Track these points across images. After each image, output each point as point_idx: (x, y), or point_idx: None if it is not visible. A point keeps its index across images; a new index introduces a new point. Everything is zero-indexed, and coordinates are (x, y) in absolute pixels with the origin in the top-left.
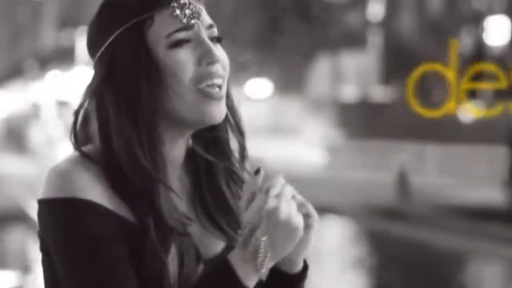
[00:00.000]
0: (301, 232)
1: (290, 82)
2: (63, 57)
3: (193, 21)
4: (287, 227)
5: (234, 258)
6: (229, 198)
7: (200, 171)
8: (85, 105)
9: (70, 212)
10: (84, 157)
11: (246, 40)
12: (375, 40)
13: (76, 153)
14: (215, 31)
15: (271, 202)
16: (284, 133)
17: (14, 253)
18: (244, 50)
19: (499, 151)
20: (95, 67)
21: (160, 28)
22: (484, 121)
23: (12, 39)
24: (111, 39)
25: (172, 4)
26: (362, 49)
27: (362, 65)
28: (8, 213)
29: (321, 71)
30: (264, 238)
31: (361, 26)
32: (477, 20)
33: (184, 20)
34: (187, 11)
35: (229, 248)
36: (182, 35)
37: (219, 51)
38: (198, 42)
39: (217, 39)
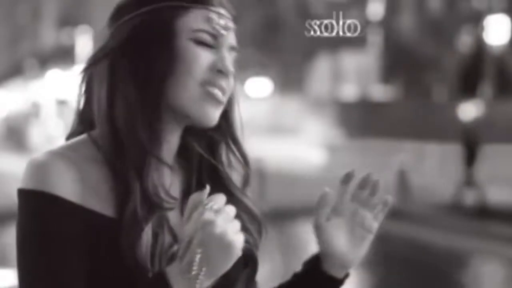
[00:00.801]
0: (237, 251)
1: (290, 81)
2: (63, 56)
3: (222, 32)
4: (221, 243)
5: (172, 270)
6: None
7: (192, 166)
8: (91, 68)
9: (34, 205)
10: (74, 143)
11: (246, 40)
12: (375, 39)
13: (62, 144)
14: (234, 55)
15: (207, 215)
16: (284, 132)
17: (15, 251)
18: (244, 49)
19: (499, 150)
20: (115, 31)
21: (191, 21)
22: (484, 120)
23: (12, 38)
24: (145, 9)
25: (211, 8)
26: (362, 48)
27: (362, 64)
28: (8, 211)
29: (321, 70)
30: (199, 251)
31: (361, 25)
32: (477, 19)
33: (216, 27)
34: (221, 21)
35: None
36: (208, 38)
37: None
38: (218, 51)
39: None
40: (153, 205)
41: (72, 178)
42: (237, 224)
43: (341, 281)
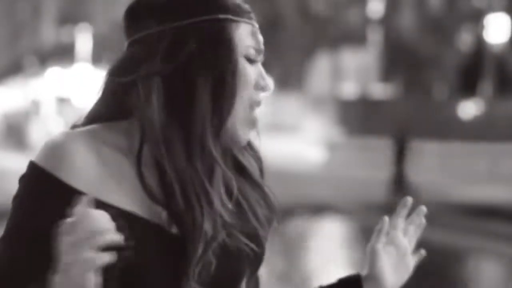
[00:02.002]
0: (76, 270)
1: (290, 79)
2: (63, 53)
3: (263, 47)
4: (66, 256)
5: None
6: (242, 201)
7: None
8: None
9: (38, 184)
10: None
11: None
12: (375, 37)
13: (88, 127)
14: None
15: (64, 226)
16: (284, 130)
17: None
18: None
19: (499, 149)
20: (167, 35)
21: (242, 36)
22: (484, 118)
23: (12, 35)
24: (205, 18)
25: (253, 23)
26: (362, 46)
27: (362, 62)
28: (8, 209)
29: (321, 68)
30: (63, 258)
31: (361, 23)
32: (477, 17)
33: (259, 42)
34: (260, 37)
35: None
36: (254, 54)
37: None
38: (256, 67)
39: None
40: (224, 221)
41: (88, 165)
42: (102, 240)
43: None
